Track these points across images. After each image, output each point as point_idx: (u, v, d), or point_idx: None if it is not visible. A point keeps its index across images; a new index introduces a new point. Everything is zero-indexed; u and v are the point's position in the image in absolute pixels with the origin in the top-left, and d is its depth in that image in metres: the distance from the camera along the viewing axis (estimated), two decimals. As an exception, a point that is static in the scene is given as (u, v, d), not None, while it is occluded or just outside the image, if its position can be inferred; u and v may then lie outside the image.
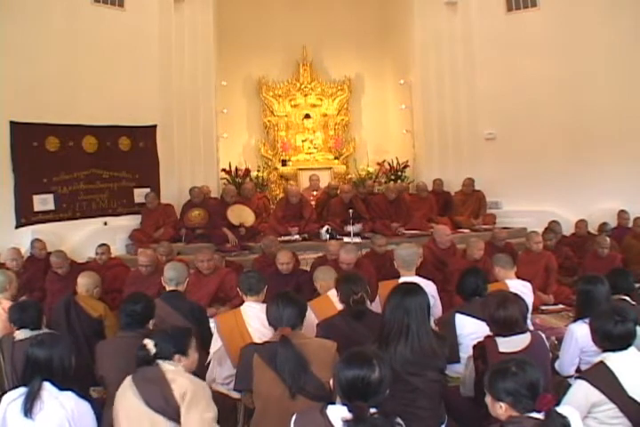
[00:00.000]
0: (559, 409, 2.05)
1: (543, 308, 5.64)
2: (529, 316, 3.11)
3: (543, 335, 3.02)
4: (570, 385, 2.68)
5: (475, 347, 2.96)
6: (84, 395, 2.59)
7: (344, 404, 2.05)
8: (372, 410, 2.05)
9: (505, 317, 2.83)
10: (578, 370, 3.27)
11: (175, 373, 2.55)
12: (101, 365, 3.10)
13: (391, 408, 2.22)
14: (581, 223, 7.36)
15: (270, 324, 2.99)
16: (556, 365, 3.37)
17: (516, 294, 2.99)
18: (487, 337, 2.94)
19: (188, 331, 2.77)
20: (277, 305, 2.94)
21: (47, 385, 2.48)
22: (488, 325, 2.97)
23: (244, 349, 2.93)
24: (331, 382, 2.15)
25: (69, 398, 2.48)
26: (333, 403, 2.12)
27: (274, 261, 5.50)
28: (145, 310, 3.25)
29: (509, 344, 2.83)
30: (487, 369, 2.30)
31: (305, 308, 3.06)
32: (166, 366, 2.57)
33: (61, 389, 2.50)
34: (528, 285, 4.38)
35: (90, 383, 3.43)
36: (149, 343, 2.61)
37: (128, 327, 3.19)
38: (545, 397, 2.03)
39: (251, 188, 8.70)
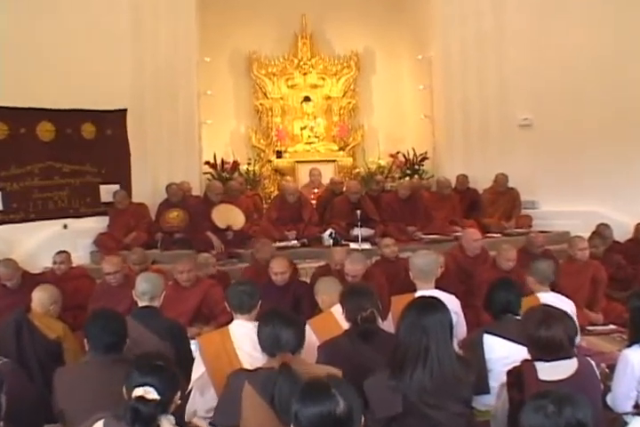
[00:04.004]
0: None
1: (590, 328, 5.60)
2: (577, 338, 3.09)
3: (592, 362, 3.00)
4: (626, 423, 2.66)
5: (509, 373, 2.94)
6: None
7: None
8: None
9: (547, 338, 2.81)
10: (636, 405, 3.24)
11: None
12: (61, 396, 3.07)
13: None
14: (643, 226, 7.30)
15: (264, 349, 2.96)
16: (608, 398, 3.34)
17: (562, 311, 2.97)
18: (525, 361, 2.93)
19: (168, 355, 2.67)
20: (273, 326, 2.91)
21: None
22: (527, 346, 2.96)
23: (232, 375, 2.91)
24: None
25: None
26: None
27: (267, 270, 5.50)
28: (119, 330, 3.23)
29: (552, 371, 2.81)
30: (524, 400, 2.29)
31: (304, 329, 3.05)
32: None
33: None
34: (565, 299, 4.37)
35: (44, 420, 3.42)
36: (150, 392, 2.28)
37: (108, 350, 3.14)
38: None
39: (237, 186, 8.68)
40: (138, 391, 2.29)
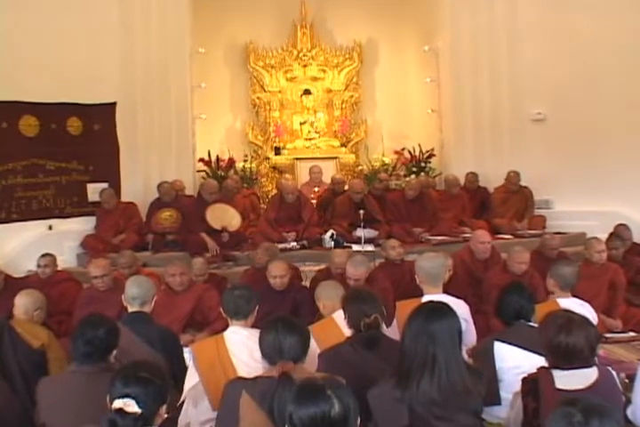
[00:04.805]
0: None
1: (608, 335, 5.61)
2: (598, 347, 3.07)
3: (613, 372, 2.99)
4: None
5: (524, 380, 2.94)
6: None
7: None
8: None
9: (567, 344, 2.80)
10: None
11: None
12: (44, 409, 3.06)
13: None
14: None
15: (265, 356, 2.96)
16: (629, 411, 3.31)
17: (584, 317, 2.96)
18: (541, 369, 2.92)
19: (158, 365, 2.65)
20: (276, 333, 2.92)
21: None
22: (544, 353, 2.95)
23: (229, 384, 2.92)
24: None
25: None
26: None
27: (265, 275, 5.50)
28: (107, 337, 3.22)
29: (570, 380, 2.80)
30: (539, 409, 2.28)
31: (308, 337, 3.05)
32: None
33: None
34: (587, 306, 4.36)
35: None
36: (130, 405, 2.30)
37: (84, 360, 3.14)
38: None
39: (233, 184, 8.68)
40: (117, 403, 2.30)
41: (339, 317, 3.77)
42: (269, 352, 2.92)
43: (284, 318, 3.08)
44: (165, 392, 2.45)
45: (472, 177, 9.01)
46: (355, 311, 3.45)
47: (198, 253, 7.16)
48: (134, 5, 8.56)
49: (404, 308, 3.90)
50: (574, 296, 4.50)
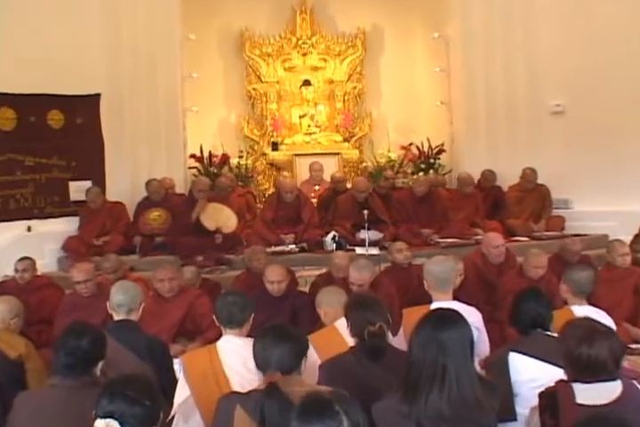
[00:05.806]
0: None
1: (633, 346, 5.59)
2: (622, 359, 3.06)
3: (639, 386, 2.98)
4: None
5: (542, 395, 2.93)
6: None
7: None
8: None
9: (589, 356, 2.78)
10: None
11: None
12: (20, 425, 3.05)
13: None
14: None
15: (258, 367, 2.97)
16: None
17: (608, 327, 2.95)
18: (560, 382, 2.91)
19: (150, 381, 2.59)
20: (265, 342, 2.92)
21: None
22: (564, 365, 2.94)
23: (223, 399, 2.92)
24: None
25: None
26: None
27: (261, 279, 5.51)
28: (91, 348, 3.20)
29: (591, 394, 2.78)
30: (558, 426, 2.26)
31: (305, 345, 3.05)
32: None
33: None
34: (603, 313, 4.35)
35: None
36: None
37: (67, 372, 3.11)
38: None
39: (227, 182, 8.67)
40: (99, 424, 2.26)
41: (341, 325, 3.77)
42: (259, 363, 2.93)
43: (278, 325, 3.08)
44: (156, 413, 2.40)
45: (489, 174, 9.02)
46: (358, 319, 3.44)
47: (189, 257, 7.17)
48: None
49: (412, 315, 3.90)
50: (590, 304, 4.49)
